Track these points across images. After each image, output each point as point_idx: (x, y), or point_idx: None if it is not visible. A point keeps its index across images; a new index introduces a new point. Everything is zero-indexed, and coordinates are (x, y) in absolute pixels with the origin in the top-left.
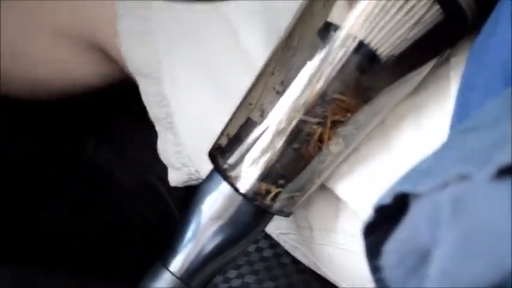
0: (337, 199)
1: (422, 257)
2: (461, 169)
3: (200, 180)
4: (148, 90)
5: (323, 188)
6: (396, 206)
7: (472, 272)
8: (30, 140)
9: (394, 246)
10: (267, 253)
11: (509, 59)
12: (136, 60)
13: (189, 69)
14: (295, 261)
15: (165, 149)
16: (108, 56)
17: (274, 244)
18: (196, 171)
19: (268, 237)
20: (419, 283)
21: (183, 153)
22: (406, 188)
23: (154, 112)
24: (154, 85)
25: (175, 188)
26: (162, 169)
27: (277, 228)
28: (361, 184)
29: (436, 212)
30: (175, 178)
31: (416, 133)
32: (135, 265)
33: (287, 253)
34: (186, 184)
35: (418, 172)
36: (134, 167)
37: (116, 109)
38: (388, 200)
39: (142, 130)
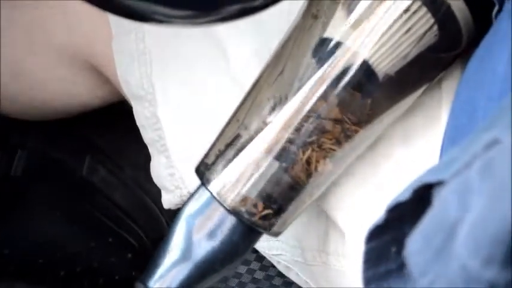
0: (326, 219)
1: (450, 232)
2: (488, 137)
3: None
4: (141, 113)
5: (312, 207)
6: (414, 202)
7: (499, 217)
8: (26, 157)
9: (419, 232)
10: (258, 275)
11: (508, 77)
12: (130, 82)
13: (180, 92)
14: (286, 283)
15: (158, 171)
16: (105, 77)
17: (266, 266)
18: (189, 192)
19: (259, 259)
20: (444, 264)
21: (176, 176)
22: (429, 179)
23: (147, 135)
24: (147, 108)
25: (169, 209)
26: (157, 190)
27: (269, 249)
28: (350, 205)
29: (467, 186)
30: (169, 200)
31: (405, 154)
32: (128, 286)
33: (279, 275)
34: (179, 206)
35: (441, 164)
36: (129, 187)
37: (112, 129)
38: (406, 196)
39: (138, 150)
